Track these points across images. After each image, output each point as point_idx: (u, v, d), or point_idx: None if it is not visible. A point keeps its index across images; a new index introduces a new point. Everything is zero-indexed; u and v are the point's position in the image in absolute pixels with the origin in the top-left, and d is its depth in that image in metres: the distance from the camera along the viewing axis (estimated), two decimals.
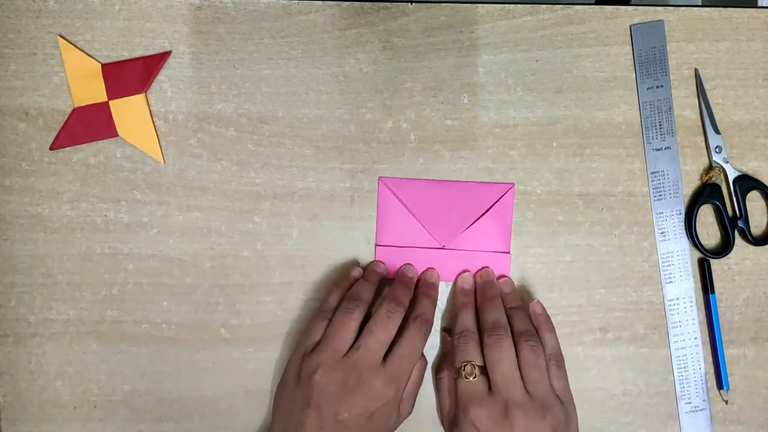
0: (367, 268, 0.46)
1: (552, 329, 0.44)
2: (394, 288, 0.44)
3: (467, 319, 0.44)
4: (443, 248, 0.46)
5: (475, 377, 0.40)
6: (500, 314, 0.43)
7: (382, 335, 0.41)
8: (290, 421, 0.40)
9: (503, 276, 0.46)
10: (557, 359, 0.43)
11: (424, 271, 0.46)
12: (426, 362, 0.45)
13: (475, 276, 0.46)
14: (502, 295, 0.45)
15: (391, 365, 0.41)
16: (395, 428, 0.42)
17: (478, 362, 0.41)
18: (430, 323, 0.43)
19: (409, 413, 0.43)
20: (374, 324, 0.41)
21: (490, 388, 0.40)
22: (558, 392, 0.41)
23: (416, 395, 0.43)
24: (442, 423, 0.45)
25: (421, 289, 0.45)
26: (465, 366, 0.41)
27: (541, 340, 0.43)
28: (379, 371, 0.40)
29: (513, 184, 0.46)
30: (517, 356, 0.41)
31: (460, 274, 0.46)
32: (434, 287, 0.46)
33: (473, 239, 0.46)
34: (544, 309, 0.45)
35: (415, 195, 0.46)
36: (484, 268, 0.46)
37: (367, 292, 0.43)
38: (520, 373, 0.40)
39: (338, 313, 0.42)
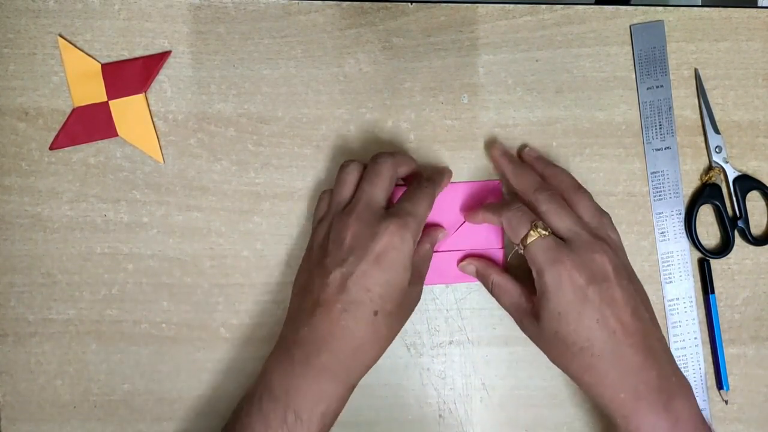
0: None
1: (560, 167, 0.44)
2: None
3: (505, 202, 0.42)
4: (436, 251, 0.46)
5: (549, 231, 0.38)
6: (537, 176, 0.42)
7: (375, 178, 0.40)
8: (303, 289, 0.39)
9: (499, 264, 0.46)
10: (606, 217, 0.41)
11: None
12: (432, 251, 0.43)
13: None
14: (530, 161, 0.45)
15: (393, 209, 0.39)
16: (411, 294, 0.40)
17: (535, 218, 0.39)
18: (435, 184, 0.41)
19: (418, 298, 0.41)
20: (367, 173, 0.40)
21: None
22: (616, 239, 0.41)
23: (424, 276, 0.42)
24: (520, 319, 0.41)
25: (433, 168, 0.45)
26: (535, 224, 0.38)
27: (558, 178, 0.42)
28: (378, 212, 0.38)
29: (499, 181, 0.46)
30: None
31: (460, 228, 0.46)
32: (446, 171, 0.44)
33: (465, 239, 0.46)
34: (538, 152, 0.45)
35: None
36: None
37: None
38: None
39: (336, 177, 0.42)
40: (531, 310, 0.40)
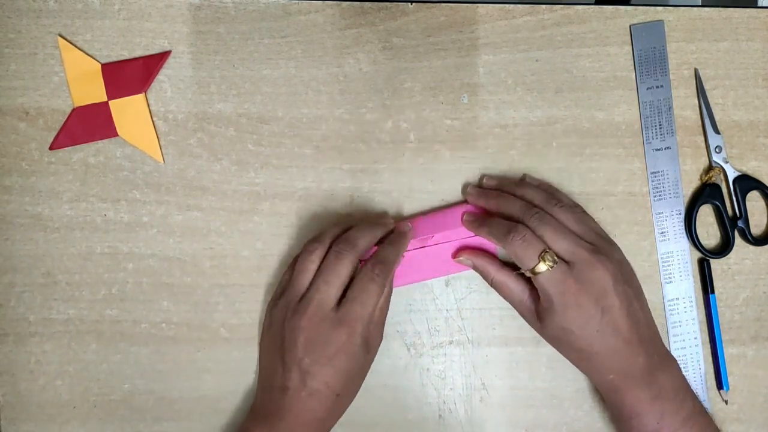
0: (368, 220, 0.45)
1: (526, 182, 0.45)
2: (352, 229, 0.42)
3: (502, 224, 0.42)
4: (427, 245, 0.45)
5: (556, 262, 0.40)
6: (518, 200, 0.43)
7: (331, 277, 0.40)
8: (267, 368, 0.42)
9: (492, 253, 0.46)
10: (577, 207, 0.44)
11: (398, 223, 0.45)
12: (391, 289, 0.43)
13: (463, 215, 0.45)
14: (497, 187, 0.45)
15: (342, 309, 0.40)
16: (368, 363, 0.42)
17: (543, 246, 0.40)
18: (387, 268, 0.41)
19: (379, 343, 0.43)
20: (323, 267, 0.41)
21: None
22: (600, 234, 0.43)
23: (383, 324, 0.43)
24: (524, 315, 0.43)
25: (388, 237, 0.44)
26: (544, 257, 0.39)
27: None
28: (328, 316, 0.39)
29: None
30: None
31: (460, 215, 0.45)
32: (403, 237, 0.44)
33: (455, 231, 0.46)
34: (496, 178, 0.46)
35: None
36: (469, 185, 0.46)
37: (331, 234, 0.42)
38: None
39: (299, 258, 0.42)
40: (534, 310, 0.42)
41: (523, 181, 0.46)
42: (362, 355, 0.41)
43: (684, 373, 0.43)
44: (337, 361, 0.40)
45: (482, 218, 0.44)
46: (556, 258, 0.40)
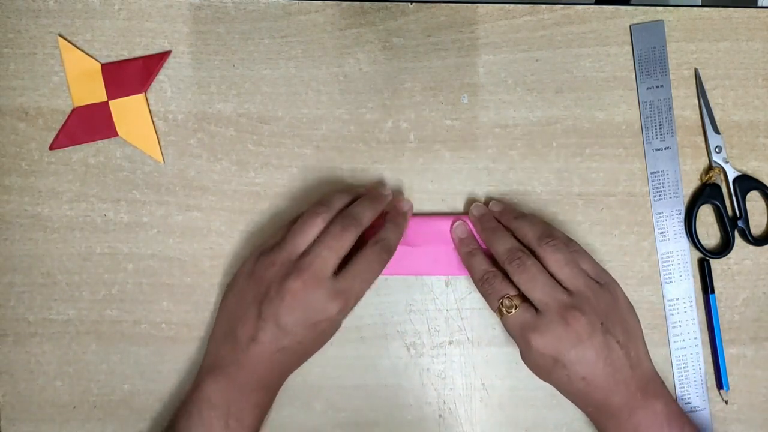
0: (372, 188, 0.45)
1: (526, 216, 0.44)
2: (356, 203, 0.42)
3: (481, 263, 0.43)
4: (429, 244, 0.45)
5: (516, 308, 0.40)
6: (508, 239, 0.42)
7: (335, 245, 0.39)
8: (235, 316, 0.41)
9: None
10: (571, 244, 0.42)
11: (397, 198, 0.45)
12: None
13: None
14: (498, 216, 0.45)
15: (342, 281, 0.39)
16: (339, 327, 0.42)
17: (512, 292, 0.40)
18: (391, 251, 0.42)
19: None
20: (326, 234, 0.40)
21: (535, 308, 0.40)
22: (592, 274, 0.41)
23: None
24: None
25: (389, 215, 0.44)
26: (502, 302, 0.40)
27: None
28: (325, 284, 0.39)
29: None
30: (541, 262, 0.40)
31: (454, 222, 0.45)
32: (404, 217, 0.44)
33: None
34: (502, 204, 0.46)
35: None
36: (474, 203, 0.46)
37: (340, 202, 0.42)
38: (555, 278, 0.40)
39: (302, 216, 0.41)
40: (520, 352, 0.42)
41: (523, 215, 0.44)
42: (340, 324, 0.42)
43: (684, 374, 0.43)
44: (319, 327, 0.40)
45: (468, 243, 0.45)
46: (516, 303, 0.40)
